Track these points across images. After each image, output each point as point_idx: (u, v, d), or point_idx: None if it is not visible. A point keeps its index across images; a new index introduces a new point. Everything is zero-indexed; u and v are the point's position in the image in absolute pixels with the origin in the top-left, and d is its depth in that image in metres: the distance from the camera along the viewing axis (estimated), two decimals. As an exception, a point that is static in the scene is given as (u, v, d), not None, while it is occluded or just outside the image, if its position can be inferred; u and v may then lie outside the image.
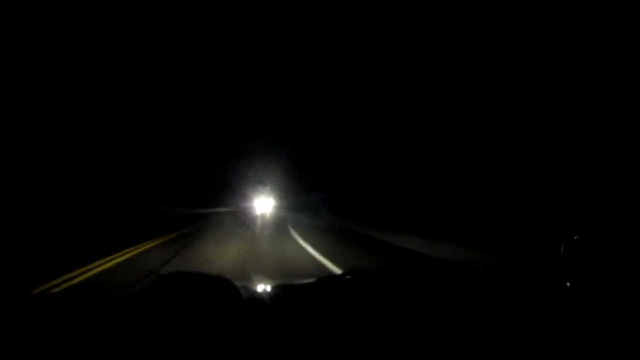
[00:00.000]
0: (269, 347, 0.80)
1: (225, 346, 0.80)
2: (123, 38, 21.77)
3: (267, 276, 4.67)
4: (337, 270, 5.11)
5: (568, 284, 1.10)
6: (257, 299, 1.14)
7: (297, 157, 35.20)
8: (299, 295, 1.21)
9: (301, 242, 8.86)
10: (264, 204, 25.26)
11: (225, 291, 1.09)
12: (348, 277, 1.37)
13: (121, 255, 6.55)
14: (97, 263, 5.73)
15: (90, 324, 0.90)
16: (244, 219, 17.27)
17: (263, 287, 1.32)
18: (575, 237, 1.19)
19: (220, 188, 35.61)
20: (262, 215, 20.99)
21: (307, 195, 29.38)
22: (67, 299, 1.08)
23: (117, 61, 22.39)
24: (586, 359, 0.79)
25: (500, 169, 10.79)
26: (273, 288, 1.30)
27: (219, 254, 7.05)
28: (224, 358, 0.77)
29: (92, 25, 19.04)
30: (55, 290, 3.98)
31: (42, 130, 16.05)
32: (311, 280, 1.40)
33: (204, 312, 0.95)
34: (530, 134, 10.04)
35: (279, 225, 14.35)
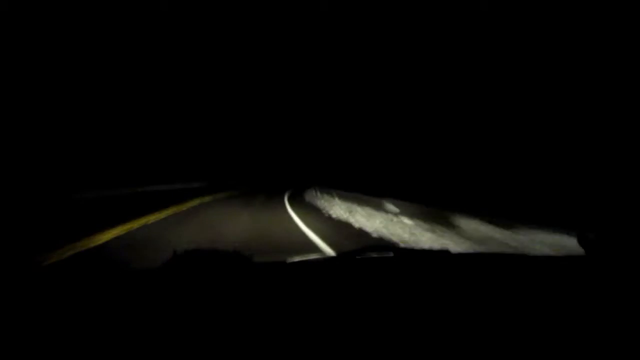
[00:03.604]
0: (283, 326, 0.79)
1: (240, 327, 0.79)
2: (121, 37, 21.80)
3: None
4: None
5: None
6: (276, 277, 1.12)
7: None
8: (320, 273, 1.17)
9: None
10: None
11: (241, 268, 1.08)
12: (370, 254, 1.33)
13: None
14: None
15: (101, 300, 0.89)
16: None
17: (282, 264, 1.29)
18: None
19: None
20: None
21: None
22: (77, 274, 1.07)
23: (117, 59, 22.43)
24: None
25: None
26: (293, 264, 1.27)
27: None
28: (237, 338, 0.75)
29: (91, 24, 19.05)
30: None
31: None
32: (330, 256, 1.38)
33: (219, 293, 0.93)
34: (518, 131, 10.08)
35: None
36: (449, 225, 5.89)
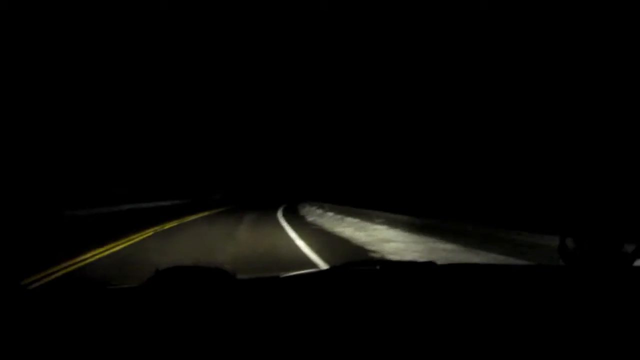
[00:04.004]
0: (269, 342, 0.79)
1: (225, 342, 0.79)
2: (120, 38, 21.78)
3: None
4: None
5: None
6: (260, 292, 1.12)
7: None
8: (306, 288, 1.17)
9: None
10: None
11: (225, 285, 1.08)
12: (358, 268, 1.35)
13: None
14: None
15: (84, 318, 0.89)
16: None
17: (266, 279, 1.28)
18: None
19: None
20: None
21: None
22: (61, 292, 1.07)
23: (118, 60, 22.42)
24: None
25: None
26: (277, 280, 1.28)
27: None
28: (223, 354, 0.76)
29: (91, 26, 19.04)
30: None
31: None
32: (318, 270, 1.39)
33: (203, 309, 0.94)
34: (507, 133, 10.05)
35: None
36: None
